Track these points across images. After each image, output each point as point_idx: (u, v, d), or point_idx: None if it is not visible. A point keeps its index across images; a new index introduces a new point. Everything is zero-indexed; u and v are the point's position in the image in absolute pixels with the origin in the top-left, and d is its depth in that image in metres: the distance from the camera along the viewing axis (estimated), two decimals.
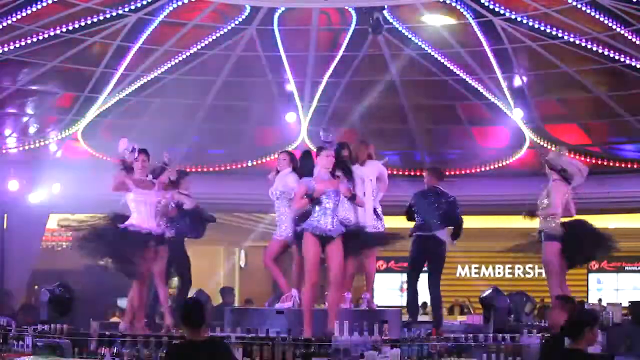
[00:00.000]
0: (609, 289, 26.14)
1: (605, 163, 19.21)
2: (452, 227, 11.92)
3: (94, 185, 18.57)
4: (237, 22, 17.36)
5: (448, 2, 16.53)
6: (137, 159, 10.55)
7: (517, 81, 18.76)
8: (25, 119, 19.08)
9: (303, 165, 11.19)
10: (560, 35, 16.84)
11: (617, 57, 17.01)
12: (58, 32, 16.40)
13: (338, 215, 9.98)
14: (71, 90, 18.51)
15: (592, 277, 26.53)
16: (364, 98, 19.64)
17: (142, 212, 10.40)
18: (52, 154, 19.11)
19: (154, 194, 10.53)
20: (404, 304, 12.55)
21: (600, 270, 26.48)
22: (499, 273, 27.38)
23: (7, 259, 18.47)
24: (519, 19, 16.67)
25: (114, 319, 16.19)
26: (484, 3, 16.45)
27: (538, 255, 11.24)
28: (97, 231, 10.42)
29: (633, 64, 17.00)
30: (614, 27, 16.13)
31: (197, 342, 6.54)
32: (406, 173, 19.25)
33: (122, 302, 22.11)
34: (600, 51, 16.97)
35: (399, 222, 12.29)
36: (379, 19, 16.26)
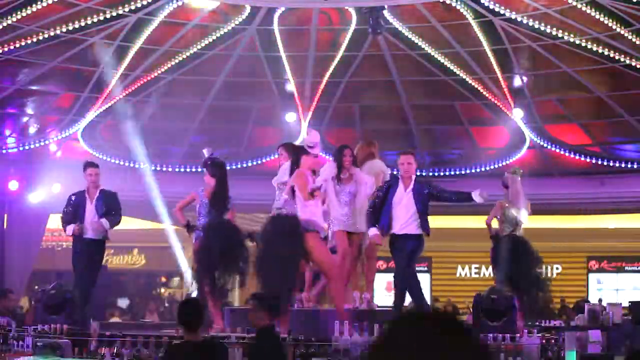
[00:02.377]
0: (609, 289, 26.11)
1: (605, 163, 19.22)
2: None
3: None
4: (237, 22, 17.36)
5: (448, 2, 16.54)
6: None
7: (517, 81, 18.77)
8: (25, 119, 19.08)
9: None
10: (560, 35, 16.84)
11: (617, 57, 17.02)
12: (58, 32, 16.40)
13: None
14: (71, 90, 18.52)
15: (592, 277, 26.50)
16: (364, 98, 19.67)
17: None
18: (52, 154, 19.11)
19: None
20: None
21: (600, 270, 26.47)
22: None
23: (7, 259, 18.47)
24: (519, 19, 16.67)
25: (114, 319, 16.21)
26: (484, 3, 16.45)
27: None
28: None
29: (633, 64, 17.00)
30: (614, 27, 16.14)
31: (195, 343, 6.54)
32: None
33: (123, 302, 22.20)
34: (600, 51, 16.97)
35: None
36: (379, 19, 16.26)
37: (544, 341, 9.35)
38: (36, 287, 19.87)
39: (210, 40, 17.65)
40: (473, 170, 19.59)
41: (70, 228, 11.93)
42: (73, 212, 12.00)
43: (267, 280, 9.83)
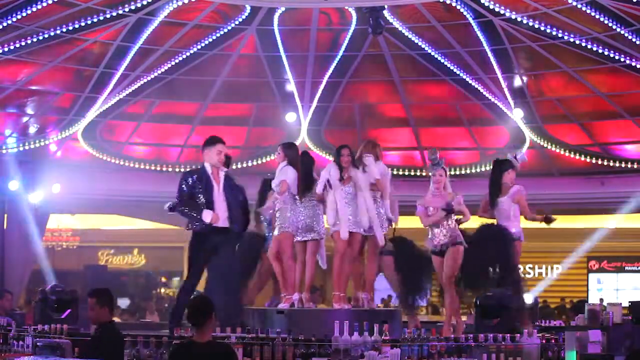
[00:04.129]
0: (609, 289, 26.10)
1: (605, 163, 19.22)
2: None
3: (94, 186, 18.66)
4: (237, 22, 17.36)
5: (448, 2, 16.54)
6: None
7: (517, 81, 18.77)
8: (25, 119, 19.08)
9: (303, 163, 11.22)
10: (560, 35, 16.84)
11: (617, 57, 17.02)
12: (58, 32, 16.40)
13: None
14: (71, 90, 18.52)
15: (592, 277, 26.50)
16: (364, 98, 19.67)
17: None
18: (52, 154, 19.11)
19: None
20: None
21: (600, 270, 26.46)
22: None
23: (7, 259, 18.47)
24: (519, 19, 16.67)
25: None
26: (484, 3, 16.45)
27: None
28: None
29: (633, 64, 17.01)
30: (614, 27, 16.14)
31: (200, 343, 6.50)
32: (406, 173, 19.28)
33: (123, 302, 22.21)
34: (600, 51, 16.97)
35: (401, 223, 12.24)
36: (379, 19, 16.25)
37: (544, 341, 9.35)
38: (36, 287, 19.86)
39: (210, 40, 17.64)
40: (473, 170, 19.59)
41: (209, 215, 9.72)
42: (200, 193, 9.88)
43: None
